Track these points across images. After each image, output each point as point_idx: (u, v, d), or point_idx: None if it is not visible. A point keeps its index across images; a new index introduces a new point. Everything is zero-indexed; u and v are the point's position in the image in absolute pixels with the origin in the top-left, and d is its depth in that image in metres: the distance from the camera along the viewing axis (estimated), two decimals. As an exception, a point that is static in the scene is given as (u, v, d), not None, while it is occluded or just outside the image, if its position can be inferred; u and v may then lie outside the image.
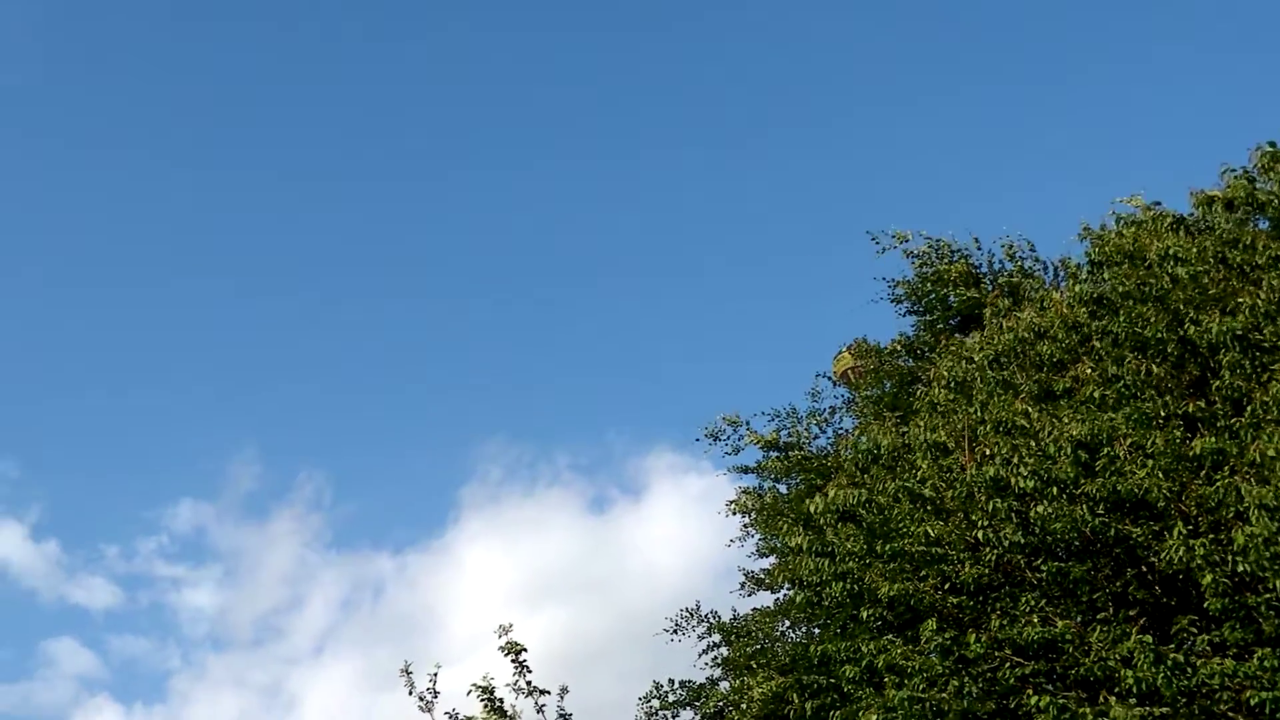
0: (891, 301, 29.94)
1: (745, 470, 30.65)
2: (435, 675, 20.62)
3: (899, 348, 29.71)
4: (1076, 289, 20.86)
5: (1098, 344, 19.83)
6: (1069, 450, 18.42)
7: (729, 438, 30.70)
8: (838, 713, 20.31)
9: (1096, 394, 19.16)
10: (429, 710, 20.65)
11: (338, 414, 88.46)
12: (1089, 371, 19.73)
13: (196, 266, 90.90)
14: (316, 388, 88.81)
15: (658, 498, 74.88)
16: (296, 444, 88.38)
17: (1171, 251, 19.73)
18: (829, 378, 31.45)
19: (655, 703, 29.85)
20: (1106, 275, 20.44)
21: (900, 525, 19.90)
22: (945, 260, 28.95)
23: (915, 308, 29.73)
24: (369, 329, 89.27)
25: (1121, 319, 19.62)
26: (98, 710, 74.38)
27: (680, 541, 66.13)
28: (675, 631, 30.53)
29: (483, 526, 77.12)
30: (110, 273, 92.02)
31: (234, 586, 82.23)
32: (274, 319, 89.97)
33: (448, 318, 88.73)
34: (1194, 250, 19.77)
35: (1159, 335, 19.33)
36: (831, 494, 20.22)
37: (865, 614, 19.96)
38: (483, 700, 19.96)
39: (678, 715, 29.91)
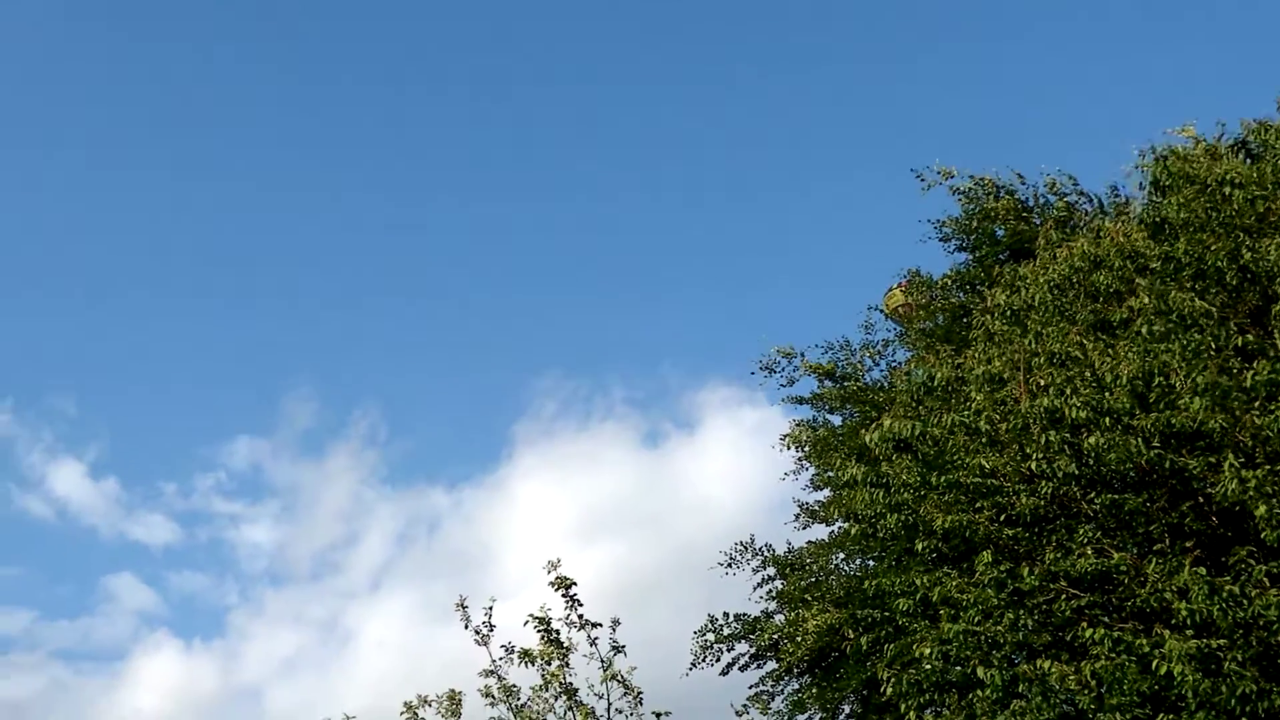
0: (940, 240, 29.81)
1: (800, 401, 30.62)
2: (490, 609, 20.73)
3: (950, 282, 29.52)
4: (1137, 213, 20.58)
5: (1157, 268, 19.60)
6: (1124, 381, 18.27)
7: (783, 369, 30.66)
8: (892, 646, 20.32)
9: (1153, 327, 18.96)
10: (485, 644, 20.75)
11: (392, 350, 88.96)
12: (1145, 301, 19.52)
13: (256, 204, 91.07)
14: (371, 324, 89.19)
15: (712, 432, 74.92)
16: (352, 381, 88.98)
17: (1229, 176, 19.43)
18: (881, 310, 31.29)
19: (710, 635, 29.96)
20: (1169, 200, 20.17)
21: (955, 457, 19.82)
22: (991, 196, 28.74)
23: (964, 244, 29.56)
24: (422, 264, 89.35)
25: (1182, 244, 19.38)
26: (157, 645, 75.54)
27: (734, 475, 66.26)
28: (730, 565, 30.59)
29: (537, 461, 77.44)
30: (164, 209, 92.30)
31: (291, 523, 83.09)
32: (329, 254, 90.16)
33: (502, 252, 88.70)
34: (1253, 175, 19.47)
35: (1218, 264, 19.10)
36: (887, 424, 20.13)
37: (920, 546, 19.92)
38: (539, 631, 20.02)
39: (732, 648, 30.02)
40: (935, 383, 20.36)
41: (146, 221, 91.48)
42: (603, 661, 19.79)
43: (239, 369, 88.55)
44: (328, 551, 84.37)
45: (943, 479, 19.78)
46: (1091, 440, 18.11)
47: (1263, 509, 16.49)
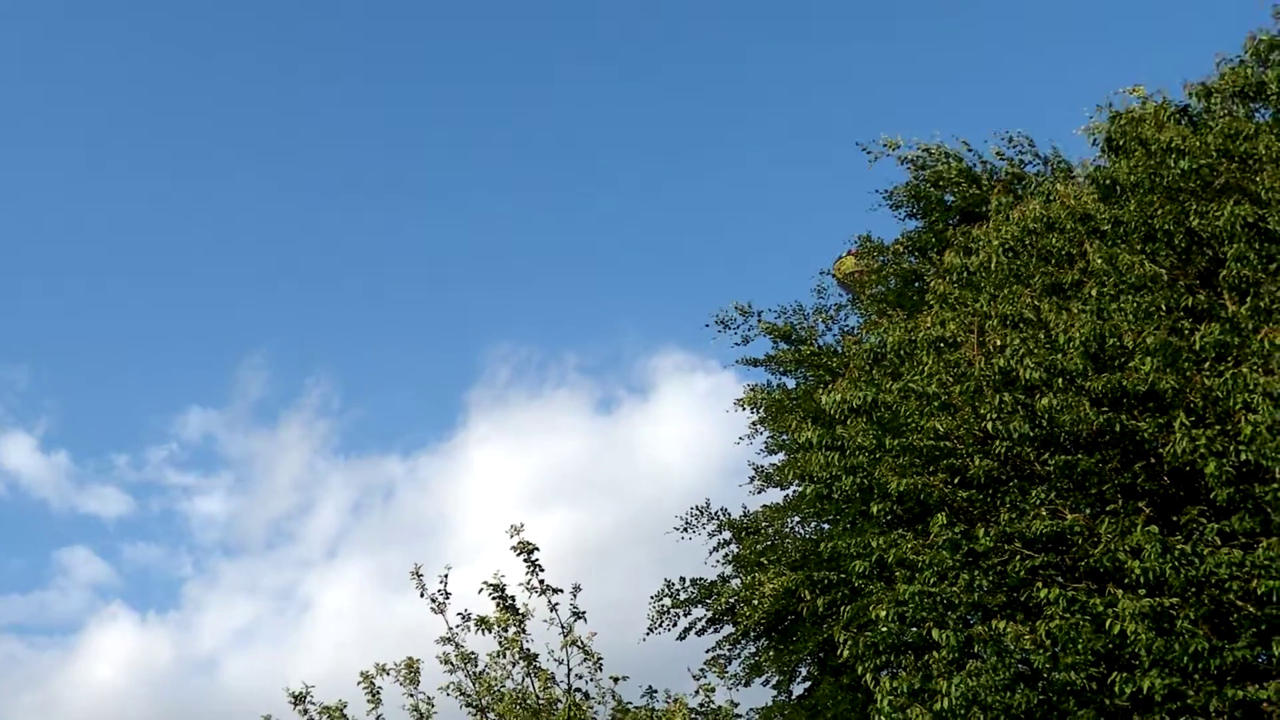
0: (891, 208, 29.88)
1: (754, 363, 30.70)
2: (446, 577, 20.77)
3: (902, 247, 29.62)
4: (1090, 173, 20.69)
5: (1108, 230, 19.70)
6: (1077, 343, 18.37)
7: (739, 326, 30.73)
8: (848, 607, 20.47)
9: (1104, 288, 19.08)
10: (441, 611, 20.82)
11: (344, 319, 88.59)
12: (1097, 263, 19.63)
13: (201, 171, 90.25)
14: (323, 293, 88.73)
15: (666, 397, 75.14)
16: (304, 350, 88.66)
17: (1174, 144, 19.55)
18: (833, 275, 31.37)
19: (667, 600, 30.13)
20: (1120, 162, 20.27)
21: (909, 420, 19.90)
22: (940, 163, 28.84)
23: (914, 210, 29.66)
24: (374, 232, 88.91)
25: (1131, 207, 19.48)
26: (112, 618, 75.27)
27: (688, 440, 66.45)
28: (686, 529, 30.75)
29: (491, 428, 77.46)
30: (112, 182, 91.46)
31: (245, 493, 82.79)
32: (278, 225, 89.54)
33: (455, 219, 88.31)
34: (1196, 143, 19.60)
35: (1166, 226, 19.22)
36: (842, 388, 20.19)
37: (875, 509, 20.00)
38: (494, 599, 20.07)
39: (689, 612, 30.18)
40: (888, 348, 20.39)
41: (97, 197, 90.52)
42: (563, 627, 19.88)
43: (190, 340, 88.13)
44: (282, 521, 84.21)
45: (897, 442, 19.85)
46: (1045, 401, 18.21)
47: (1212, 466, 16.62)
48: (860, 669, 18.42)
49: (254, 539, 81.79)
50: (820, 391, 21.65)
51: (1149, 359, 17.59)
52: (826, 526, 27.48)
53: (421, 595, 20.69)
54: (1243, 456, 16.55)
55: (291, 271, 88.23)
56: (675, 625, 30.20)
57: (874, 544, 19.46)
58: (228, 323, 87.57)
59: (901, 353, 20.42)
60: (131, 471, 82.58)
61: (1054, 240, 20.80)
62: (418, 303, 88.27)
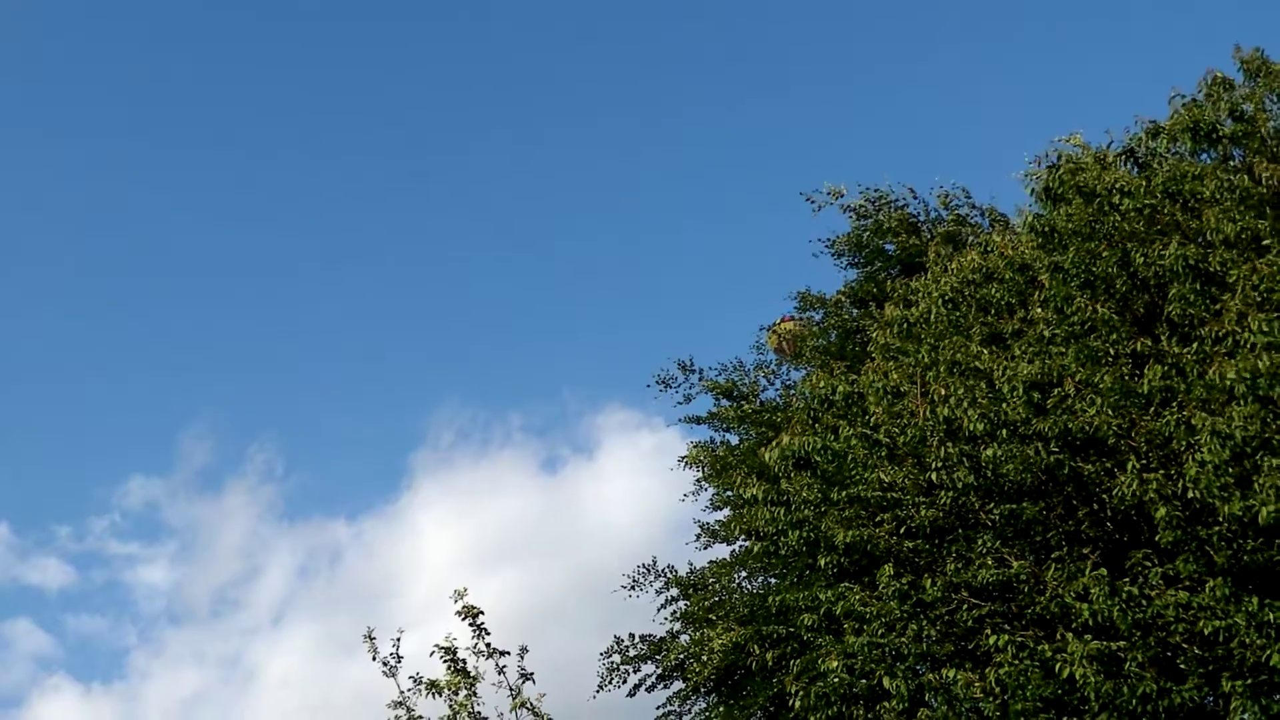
0: (833, 256, 30.11)
1: (697, 421, 30.80)
2: (398, 640, 20.56)
3: (844, 298, 29.81)
4: (1027, 222, 20.90)
5: (1046, 281, 19.91)
6: (1021, 390, 18.51)
7: (680, 385, 30.85)
8: (798, 661, 20.42)
9: (1047, 333, 19.25)
10: (393, 675, 20.58)
11: (286, 384, 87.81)
12: (1039, 311, 19.81)
13: (138, 237, 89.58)
14: (265, 359, 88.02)
15: (610, 455, 74.85)
16: (247, 416, 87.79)
17: (1119, 185, 19.79)
18: (767, 341, 31.52)
19: (616, 657, 29.98)
20: (1058, 210, 20.50)
21: (854, 472, 19.97)
22: (884, 211, 29.12)
23: (856, 259, 29.91)
24: (314, 297, 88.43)
25: (1071, 254, 19.68)
26: (55, 689, 74.04)
27: (634, 498, 66.14)
28: (633, 587, 30.66)
29: (437, 491, 76.96)
30: (57, 244, 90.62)
31: (189, 561, 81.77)
32: (217, 292, 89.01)
33: (395, 284, 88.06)
34: (1141, 184, 19.85)
35: (1108, 271, 19.41)
36: (786, 440, 20.25)
37: (822, 562, 20.06)
38: (445, 662, 19.90)
39: (638, 669, 30.04)
40: (836, 395, 20.48)
41: (31, 261, 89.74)
42: (511, 690, 19.72)
43: (132, 408, 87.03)
44: (227, 588, 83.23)
45: (843, 494, 19.97)
46: (989, 452, 18.32)
47: (1163, 510, 16.78)
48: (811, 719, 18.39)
49: (199, 607, 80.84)
50: (764, 448, 21.67)
51: (1098, 399, 17.74)
52: (774, 581, 27.45)
53: (374, 659, 20.46)
54: (1189, 495, 16.68)
55: (231, 338, 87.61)
56: (625, 682, 30.04)
57: (822, 597, 19.49)
58: (169, 390, 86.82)
59: (849, 401, 20.47)
60: (73, 542, 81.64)
61: (993, 290, 21.01)
62: (359, 367, 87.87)
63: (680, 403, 31.12)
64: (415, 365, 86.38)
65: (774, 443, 20.88)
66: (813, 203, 29.38)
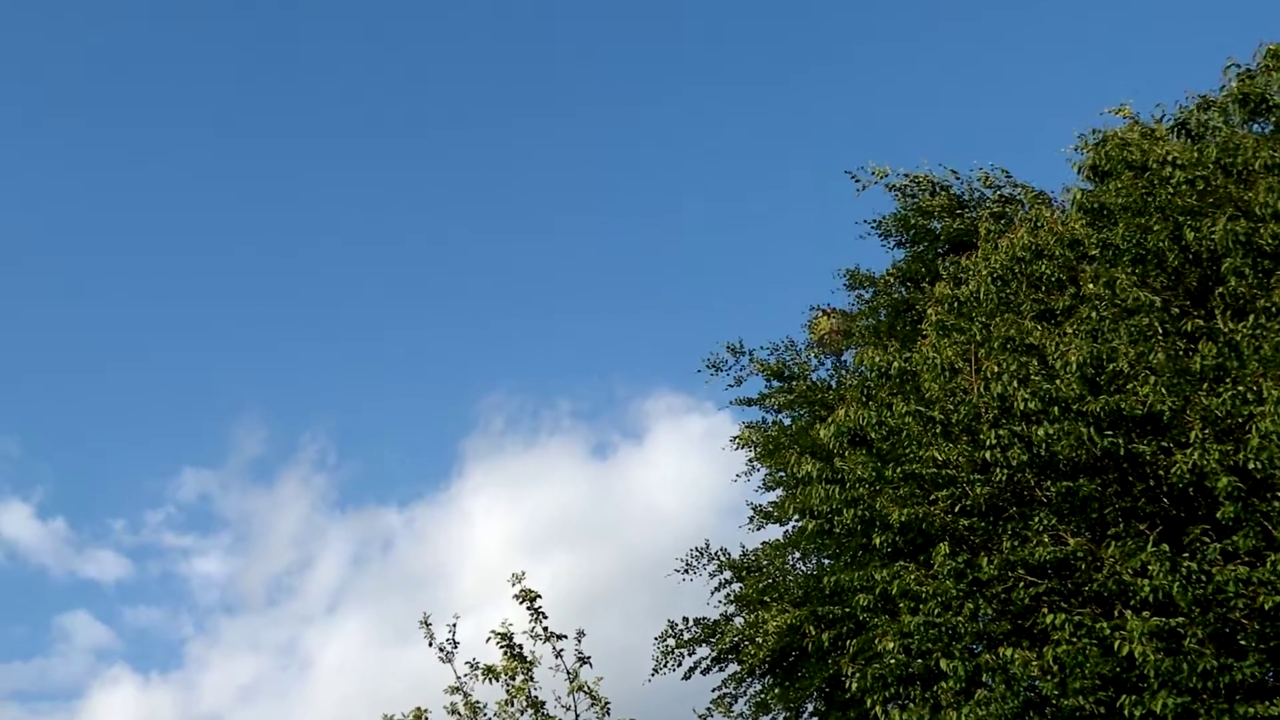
0: (879, 236, 30.11)
1: (748, 403, 30.94)
2: (454, 626, 20.81)
3: (892, 278, 29.85)
4: (1075, 199, 20.89)
5: (1097, 255, 19.91)
6: (1074, 368, 18.54)
7: (731, 368, 30.98)
8: (854, 642, 20.56)
9: (1094, 316, 19.25)
10: (449, 661, 20.83)
11: (337, 373, 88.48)
12: (1090, 287, 19.81)
13: (187, 231, 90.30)
14: (315, 347, 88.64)
15: (659, 440, 74.95)
16: (298, 406, 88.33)
17: (1170, 158, 19.74)
18: (823, 310, 31.57)
19: (671, 641, 30.19)
20: (1107, 185, 20.48)
21: (909, 449, 20.03)
22: (927, 193, 29.13)
23: (903, 239, 29.90)
24: (361, 286, 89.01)
25: (1120, 229, 19.67)
26: (115, 681, 75.05)
27: (684, 482, 66.31)
28: (686, 571, 30.87)
29: (487, 477, 77.20)
30: (103, 241, 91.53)
31: (243, 552, 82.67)
32: (268, 280, 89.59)
33: (442, 270, 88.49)
34: (1194, 156, 19.79)
35: (1159, 245, 19.40)
36: (841, 415, 20.31)
37: (877, 541, 20.06)
38: (502, 647, 20.15)
39: (693, 652, 30.25)
40: (891, 369, 20.55)
41: (78, 252, 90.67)
42: (569, 673, 19.96)
43: (182, 401, 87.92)
44: (282, 577, 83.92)
45: (897, 471, 19.95)
46: (1042, 431, 18.36)
47: (1224, 481, 16.74)
48: (869, 702, 18.50)
49: (254, 596, 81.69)
50: (817, 426, 21.76)
51: (1151, 379, 17.76)
52: (828, 561, 27.58)
53: (430, 644, 20.73)
54: (1250, 466, 16.70)
55: (280, 328, 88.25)
56: (680, 665, 30.29)
57: (877, 576, 19.50)
58: (219, 382, 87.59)
59: (903, 378, 20.54)
60: (129, 535, 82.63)
61: (1043, 267, 20.98)
62: (409, 355, 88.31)
63: (730, 385, 31.28)
64: (464, 352, 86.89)
65: (829, 419, 20.94)
66: (857, 181, 29.42)
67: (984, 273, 21.25)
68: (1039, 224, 21.44)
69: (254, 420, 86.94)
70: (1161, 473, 18.05)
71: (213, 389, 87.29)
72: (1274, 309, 17.60)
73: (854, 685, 18.60)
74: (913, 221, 29.16)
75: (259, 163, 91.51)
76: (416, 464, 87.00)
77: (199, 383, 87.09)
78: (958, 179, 29.27)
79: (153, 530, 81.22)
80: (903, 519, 19.40)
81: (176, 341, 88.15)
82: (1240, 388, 17.35)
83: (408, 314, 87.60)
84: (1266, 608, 16.23)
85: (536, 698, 20.18)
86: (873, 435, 20.40)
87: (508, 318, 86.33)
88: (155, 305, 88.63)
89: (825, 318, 31.06)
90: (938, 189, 28.94)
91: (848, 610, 22.38)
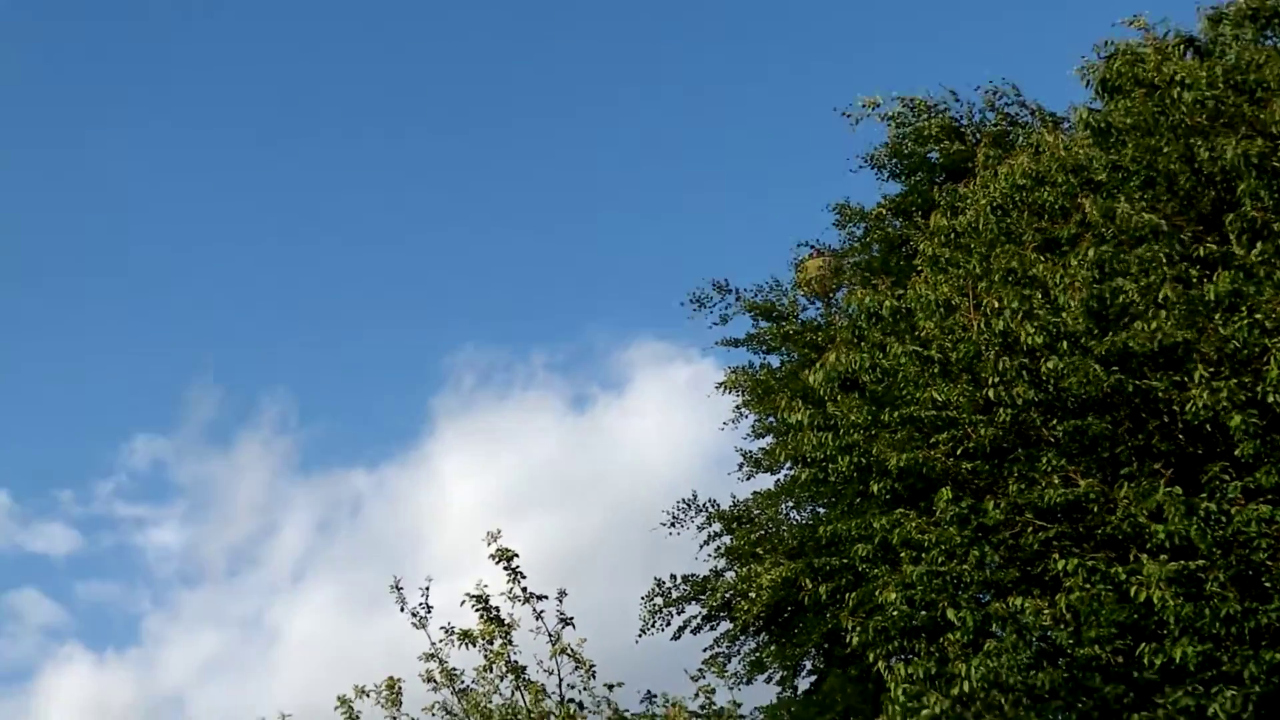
0: (872, 168, 29.42)
1: (735, 344, 30.29)
2: (427, 589, 20.37)
3: (885, 211, 29.21)
4: (1082, 118, 20.30)
5: (1104, 179, 19.32)
6: (1078, 301, 17.99)
7: (716, 305, 30.36)
8: (853, 594, 20.03)
9: (1101, 246, 18.67)
10: (423, 626, 20.43)
11: (296, 330, 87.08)
12: (1095, 216, 19.25)
13: (127, 180, 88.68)
14: (271, 304, 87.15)
15: (642, 390, 74.47)
16: (255, 365, 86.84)
17: (1179, 77, 19.12)
18: (811, 246, 30.91)
19: (659, 599, 29.73)
20: (1114, 104, 19.90)
21: (906, 391, 19.55)
22: (924, 117, 28.42)
23: (897, 170, 29.27)
24: (317, 238, 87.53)
25: (1130, 150, 19.10)
26: (68, 659, 73.97)
27: (668, 434, 65.80)
28: (673, 524, 30.33)
29: (459, 436, 76.63)
30: (27, 193, 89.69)
31: (201, 521, 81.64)
32: (222, 233, 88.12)
33: (401, 219, 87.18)
34: (1203, 75, 19.18)
35: (1170, 168, 18.83)
36: (831, 360, 19.79)
37: (875, 488, 19.63)
38: (477, 610, 19.64)
39: (683, 610, 29.79)
40: (883, 310, 19.98)
41: (13, 209, 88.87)
42: (550, 636, 19.46)
43: (132, 364, 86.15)
44: (243, 546, 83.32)
45: (894, 415, 19.53)
46: (1049, 365, 17.86)
47: (1237, 419, 16.30)
48: (871, 656, 18.09)
49: (214, 567, 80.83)
50: (807, 370, 21.20)
51: (1162, 313, 17.22)
52: (824, 510, 27.12)
53: (402, 609, 20.34)
54: (1269, 400, 16.23)
55: (235, 285, 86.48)
56: (669, 625, 29.87)
57: (876, 525, 19.11)
58: (171, 342, 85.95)
59: (896, 317, 19.97)
60: (78, 506, 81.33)
61: (1046, 194, 20.43)
62: (371, 310, 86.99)
63: (716, 324, 30.61)
64: (430, 305, 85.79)
65: (818, 363, 20.46)
66: (848, 117, 28.66)
67: (982, 202, 20.68)
68: (1041, 149, 20.84)
69: (208, 381, 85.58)
70: (1176, 409, 17.52)
71: (163, 349, 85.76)
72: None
73: (855, 639, 18.17)
74: (907, 150, 28.50)
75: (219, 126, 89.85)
76: (384, 424, 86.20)
77: (148, 344, 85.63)
78: (957, 101, 28.60)
79: (104, 500, 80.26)
80: (901, 464, 18.97)
81: (120, 299, 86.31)
82: (1258, 315, 16.85)
83: (368, 266, 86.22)
84: (1293, 547, 15.74)
85: (516, 662, 19.78)
86: (865, 379, 19.95)
87: (475, 266, 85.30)
88: (97, 260, 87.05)
89: (813, 259, 30.42)
90: (935, 112, 28.18)
91: (846, 561, 21.94)
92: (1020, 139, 25.92)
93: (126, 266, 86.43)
